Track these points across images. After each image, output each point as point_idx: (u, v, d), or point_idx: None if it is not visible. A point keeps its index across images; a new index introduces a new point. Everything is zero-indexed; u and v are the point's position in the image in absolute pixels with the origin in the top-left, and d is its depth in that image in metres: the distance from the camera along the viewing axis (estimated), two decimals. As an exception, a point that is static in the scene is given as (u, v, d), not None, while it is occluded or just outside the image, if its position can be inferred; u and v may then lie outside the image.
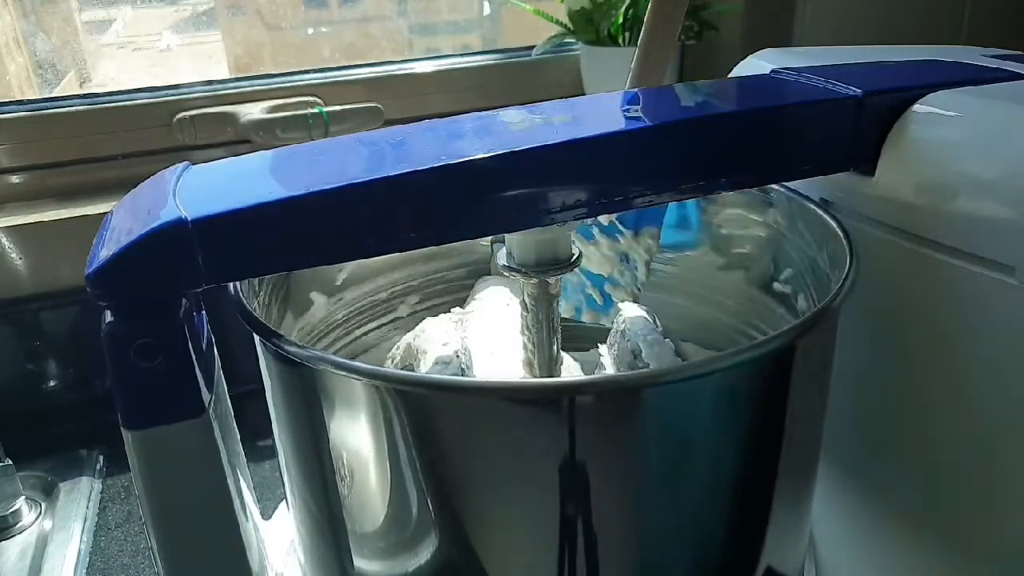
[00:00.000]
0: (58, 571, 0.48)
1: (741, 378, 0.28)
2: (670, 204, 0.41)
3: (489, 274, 0.47)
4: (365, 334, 0.45)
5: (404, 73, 0.75)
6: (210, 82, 0.70)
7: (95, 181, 0.67)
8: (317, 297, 0.41)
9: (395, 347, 0.44)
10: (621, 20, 0.72)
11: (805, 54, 0.43)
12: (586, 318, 0.45)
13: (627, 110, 0.33)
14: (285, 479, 0.34)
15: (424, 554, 0.29)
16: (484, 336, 0.41)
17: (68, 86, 0.74)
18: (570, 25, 0.73)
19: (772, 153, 0.32)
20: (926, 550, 0.37)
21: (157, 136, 0.68)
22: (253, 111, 0.69)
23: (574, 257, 0.35)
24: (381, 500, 0.29)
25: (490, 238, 0.46)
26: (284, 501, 0.37)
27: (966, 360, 0.32)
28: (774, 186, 0.38)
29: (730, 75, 0.44)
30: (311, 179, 0.27)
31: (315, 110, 0.69)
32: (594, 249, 0.43)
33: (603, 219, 0.42)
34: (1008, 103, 0.33)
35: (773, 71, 0.37)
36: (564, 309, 0.44)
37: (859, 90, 0.32)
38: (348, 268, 0.43)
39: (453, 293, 0.47)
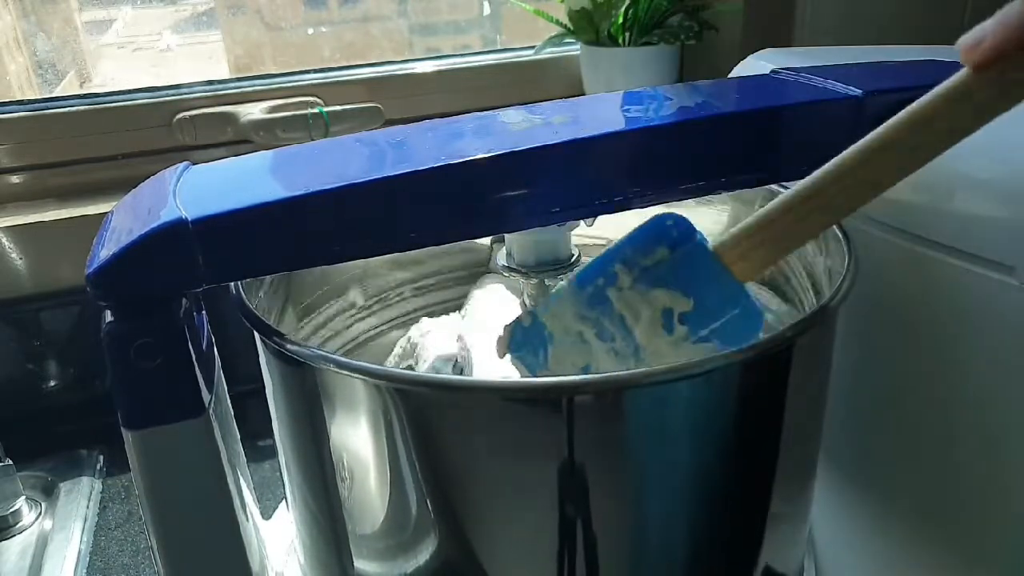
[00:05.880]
0: (58, 571, 0.48)
1: (741, 377, 0.28)
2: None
3: (489, 273, 0.47)
4: (364, 333, 0.45)
5: (404, 73, 0.75)
6: (210, 82, 0.70)
7: (95, 181, 0.67)
8: (317, 297, 0.41)
9: (395, 346, 0.44)
10: (621, 20, 0.72)
11: (805, 54, 0.43)
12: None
13: (627, 110, 0.33)
14: (285, 479, 0.34)
15: (424, 554, 0.29)
16: (485, 334, 0.41)
17: (68, 86, 0.74)
18: (570, 25, 0.73)
19: (772, 153, 0.32)
20: (926, 550, 0.37)
21: (157, 136, 0.68)
22: (253, 111, 0.69)
23: (574, 257, 0.35)
24: (381, 499, 0.29)
25: (490, 238, 0.46)
26: (284, 501, 0.37)
27: (966, 360, 0.32)
28: (774, 186, 0.38)
29: (730, 75, 0.44)
30: (311, 179, 0.27)
31: (315, 110, 0.69)
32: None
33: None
34: (1008, 103, 0.33)
35: (773, 71, 0.37)
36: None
37: (859, 90, 0.32)
38: (348, 267, 0.43)
39: (453, 292, 0.47)
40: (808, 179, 0.26)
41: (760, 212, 0.27)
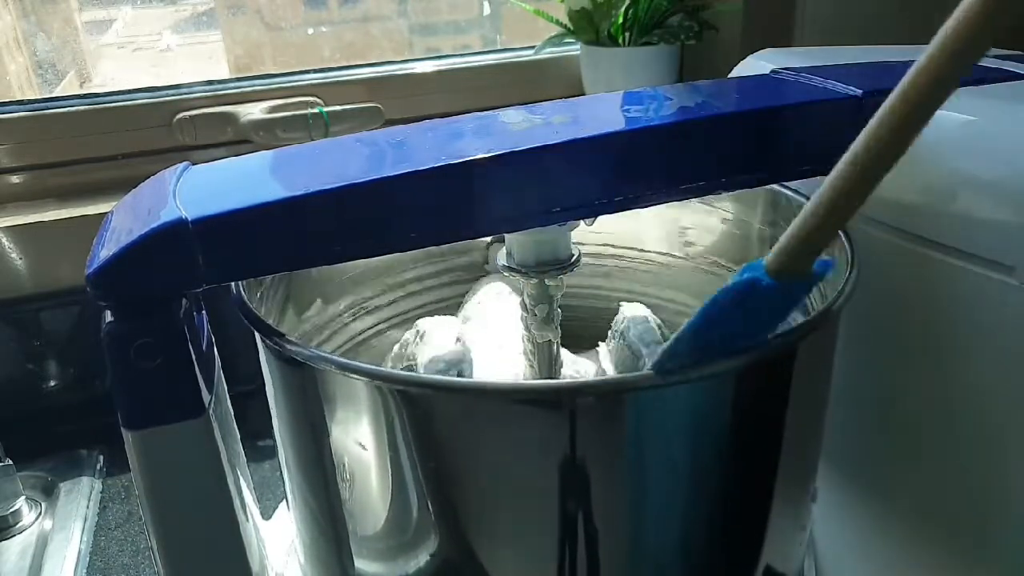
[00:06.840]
0: (58, 571, 0.48)
1: (743, 381, 0.27)
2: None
3: (489, 273, 0.47)
4: (364, 332, 0.45)
5: (404, 73, 0.75)
6: (210, 82, 0.70)
7: (95, 181, 0.67)
8: (317, 296, 0.41)
9: (395, 346, 0.44)
10: (621, 20, 0.72)
11: (805, 54, 0.43)
12: None
13: (627, 110, 0.33)
14: (286, 479, 0.34)
15: (425, 554, 0.29)
16: (485, 334, 0.41)
17: (68, 86, 0.74)
18: (570, 25, 0.73)
19: (772, 153, 0.32)
20: (926, 550, 0.37)
21: (157, 136, 0.68)
22: (253, 111, 0.69)
23: (574, 257, 0.35)
24: (382, 500, 0.29)
25: (490, 238, 0.46)
26: (284, 501, 0.37)
27: (966, 360, 0.32)
28: (774, 186, 0.38)
29: (730, 75, 0.44)
30: (311, 179, 0.27)
31: (315, 110, 0.69)
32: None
33: None
34: (1008, 103, 0.33)
35: (773, 71, 0.37)
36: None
37: (859, 90, 0.32)
38: (348, 267, 0.43)
39: (453, 291, 0.47)
40: (829, 183, 0.26)
41: (799, 223, 0.27)
